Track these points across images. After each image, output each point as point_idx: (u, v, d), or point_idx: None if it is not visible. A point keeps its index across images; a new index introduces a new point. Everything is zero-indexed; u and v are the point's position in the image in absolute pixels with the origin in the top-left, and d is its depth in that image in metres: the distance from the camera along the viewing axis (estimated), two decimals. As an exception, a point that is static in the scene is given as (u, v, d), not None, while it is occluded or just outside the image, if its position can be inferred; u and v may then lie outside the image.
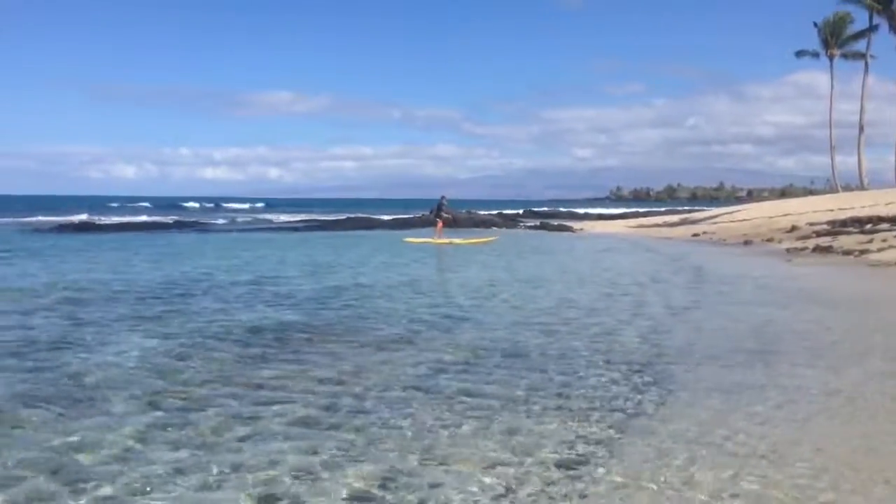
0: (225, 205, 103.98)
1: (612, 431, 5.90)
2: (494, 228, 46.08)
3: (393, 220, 50.80)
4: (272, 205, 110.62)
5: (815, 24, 60.39)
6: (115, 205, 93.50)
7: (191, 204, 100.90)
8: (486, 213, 61.01)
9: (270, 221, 58.73)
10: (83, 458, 5.40)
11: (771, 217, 36.94)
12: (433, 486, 4.90)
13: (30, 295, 13.75)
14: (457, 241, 30.42)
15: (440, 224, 31.15)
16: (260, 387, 7.37)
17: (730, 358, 8.55)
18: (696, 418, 6.20)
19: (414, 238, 31.71)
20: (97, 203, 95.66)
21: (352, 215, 58.02)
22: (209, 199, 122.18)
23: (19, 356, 8.60)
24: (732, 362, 8.32)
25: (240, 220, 61.51)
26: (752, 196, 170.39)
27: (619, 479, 4.94)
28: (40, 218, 55.00)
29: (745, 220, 39.10)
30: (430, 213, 32.41)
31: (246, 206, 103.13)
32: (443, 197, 32.27)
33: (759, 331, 10.29)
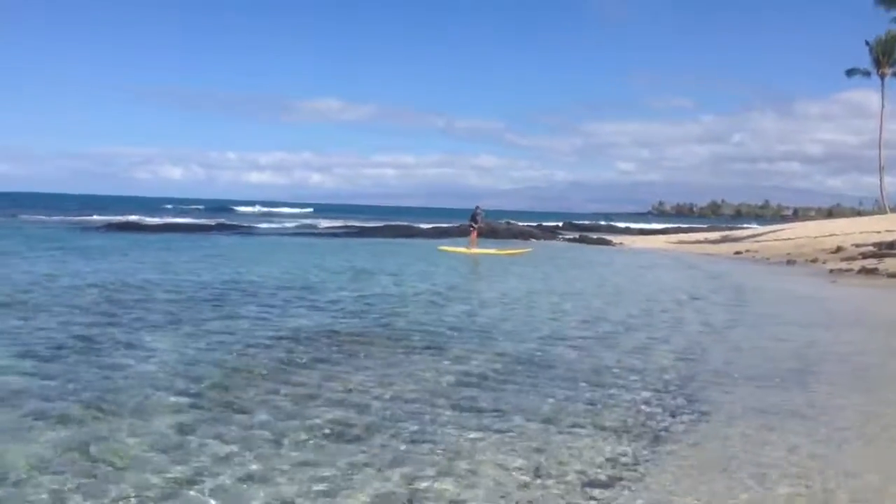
0: (275, 209, 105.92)
1: (643, 453, 5.82)
2: (533, 240, 45.95)
3: (432, 228, 50.98)
4: (320, 210, 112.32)
5: (867, 43, 59.27)
6: (169, 206, 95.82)
7: (244, 208, 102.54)
8: (525, 224, 60.87)
9: (313, 227, 59.30)
10: (123, 453, 5.54)
11: (816, 237, 36.27)
12: (457, 502, 4.90)
13: (79, 294, 14.05)
14: (491, 251, 30.48)
15: (474, 234, 31.24)
16: (295, 391, 7.46)
17: (767, 379, 8.40)
18: (730, 442, 6.09)
19: (449, 247, 31.85)
20: (150, 204, 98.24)
21: (391, 223, 58.35)
22: (258, 203, 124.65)
23: (66, 354, 8.81)
24: (770, 384, 8.17)
25: (284, 224, 62.25)
26: (798, 215, 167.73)
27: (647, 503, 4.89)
28: (95, 217, 56.66)
29: (789, 239, 38.45)
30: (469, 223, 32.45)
31: (296, 210, 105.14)
32: (477, 207, 32.28)
33: (799, 352, 10.10)
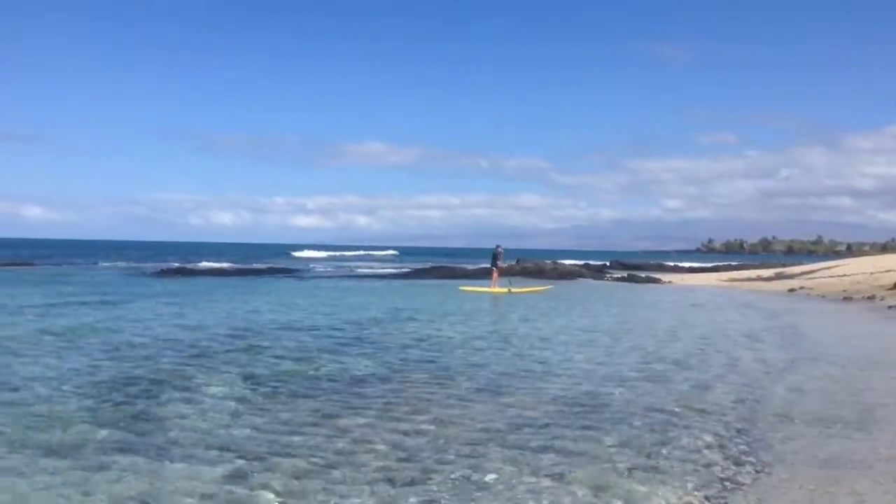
0: (329, 253, 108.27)
1: (707, 504, 5.67)
2: (581, 279, 45.67)
3: (477, 269, 50.96)
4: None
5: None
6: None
7: (307, 253, 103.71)
8: (572, 263, 60.54)
9: (363, 269, 59.82)
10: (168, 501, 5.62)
11: (872, 273, 35.43)
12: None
13: (126, 339, 14.37)
14: (514, 289, 31.08)
15: (495, 273, 31.66)
16: (343, 435, 7.52)
17: (829, 423, 8.21)
18: (793, 496, 5.91)
19: (468, 287, 32.50)
20: (211, 250, 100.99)
21: (437, 264, 58.68)
22: (309, 247, 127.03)
23: (112, 399, 9.01)
24: (832, 430, 7.97)
25: (333, 267, 62.96)
26: (851, 251, 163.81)
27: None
28: (149, 264, 58.18)
29: (844, 275, 37.62)
30: (510, 263, 32.97)
31: (349, 253, 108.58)
32: (498, 246, 32.84)
33: (859, 395, 9.85)
